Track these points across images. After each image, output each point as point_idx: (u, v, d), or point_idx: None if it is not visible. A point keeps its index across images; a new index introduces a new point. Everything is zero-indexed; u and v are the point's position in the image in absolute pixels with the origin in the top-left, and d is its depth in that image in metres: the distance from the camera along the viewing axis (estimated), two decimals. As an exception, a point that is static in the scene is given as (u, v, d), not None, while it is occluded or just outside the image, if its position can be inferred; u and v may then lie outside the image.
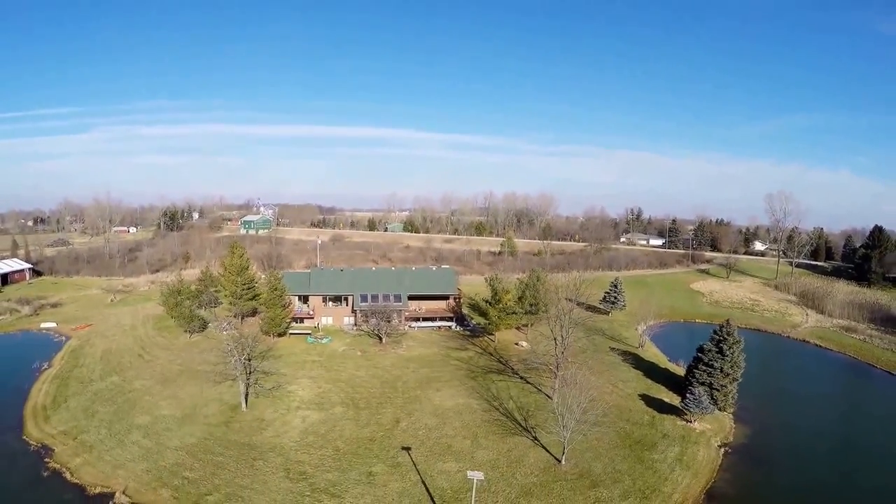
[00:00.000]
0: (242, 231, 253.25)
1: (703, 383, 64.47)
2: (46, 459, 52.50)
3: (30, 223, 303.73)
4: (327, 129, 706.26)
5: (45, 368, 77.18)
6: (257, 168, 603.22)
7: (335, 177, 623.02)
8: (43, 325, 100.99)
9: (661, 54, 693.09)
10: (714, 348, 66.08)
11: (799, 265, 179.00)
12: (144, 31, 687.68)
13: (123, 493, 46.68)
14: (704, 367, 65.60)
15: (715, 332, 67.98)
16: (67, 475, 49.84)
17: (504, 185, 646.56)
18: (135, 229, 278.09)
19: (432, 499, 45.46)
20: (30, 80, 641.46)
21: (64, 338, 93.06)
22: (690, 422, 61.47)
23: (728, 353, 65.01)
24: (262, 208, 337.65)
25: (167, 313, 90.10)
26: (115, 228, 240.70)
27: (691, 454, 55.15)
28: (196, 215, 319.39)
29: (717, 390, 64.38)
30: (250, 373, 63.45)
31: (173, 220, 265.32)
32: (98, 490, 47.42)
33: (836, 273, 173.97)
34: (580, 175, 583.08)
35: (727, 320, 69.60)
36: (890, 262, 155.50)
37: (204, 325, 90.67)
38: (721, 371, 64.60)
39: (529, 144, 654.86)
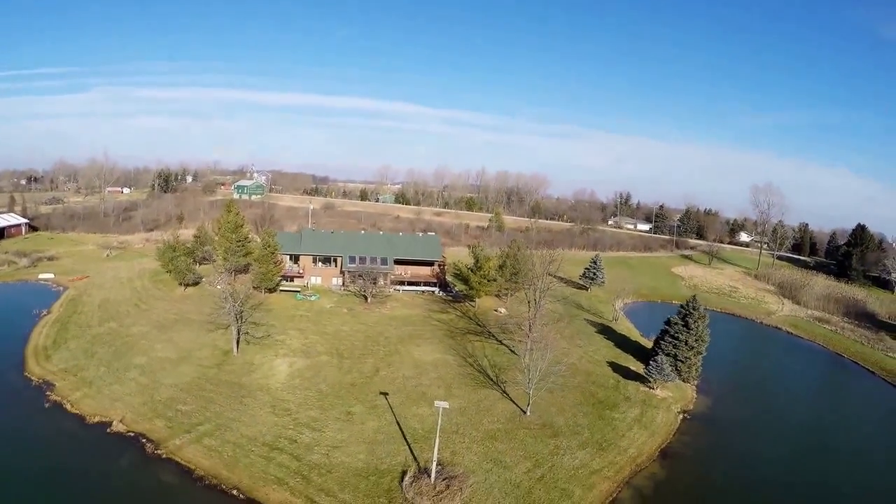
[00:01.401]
0: (236, 195, 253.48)
1: (668, 354, 67.20)
2: (48, 393, 55.52)
3: (23, 182, 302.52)
4: (323, 97, 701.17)
5: (45, 314, 79.44)
6: (252, 134, 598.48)
7: (329, 147, 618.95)
8: (41, 276, 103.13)
9: (663, 41, 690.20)
10: (680, 322, 68.67)
11: (782, 258, 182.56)
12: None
13: (121, 422, 50.34)
14: (670, 339, 68.35)
15: (682, 306, 70.51)
16: (68, 406, 53.09)
17: (497, 163, 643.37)
18: (129, 190, 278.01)
19: (405, 436, 49.50)
20: (27, 38, 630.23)
21: (62, 288, 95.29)
22: (653, 388, 64.53)
23: (693, 326, 67.57)
24: (255, 174, 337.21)
25: (163, 267, 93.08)
26: (109, 189, 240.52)
27: (650, 416, 58.66)
28: (190, 178, 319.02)
29: (682, 361, 67.21)
30: (242, 321, 66.90)
31: (167, 182, 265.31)
32: (97, 420, 50.93)
33: (818, 268, 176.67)
34: (573, 157, 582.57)
35: (693, 296, 72.65)
36: (871, 261, 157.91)
37: (199, 279, 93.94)
38: (686, 344, 67.33)
39: (525, 123, 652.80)
